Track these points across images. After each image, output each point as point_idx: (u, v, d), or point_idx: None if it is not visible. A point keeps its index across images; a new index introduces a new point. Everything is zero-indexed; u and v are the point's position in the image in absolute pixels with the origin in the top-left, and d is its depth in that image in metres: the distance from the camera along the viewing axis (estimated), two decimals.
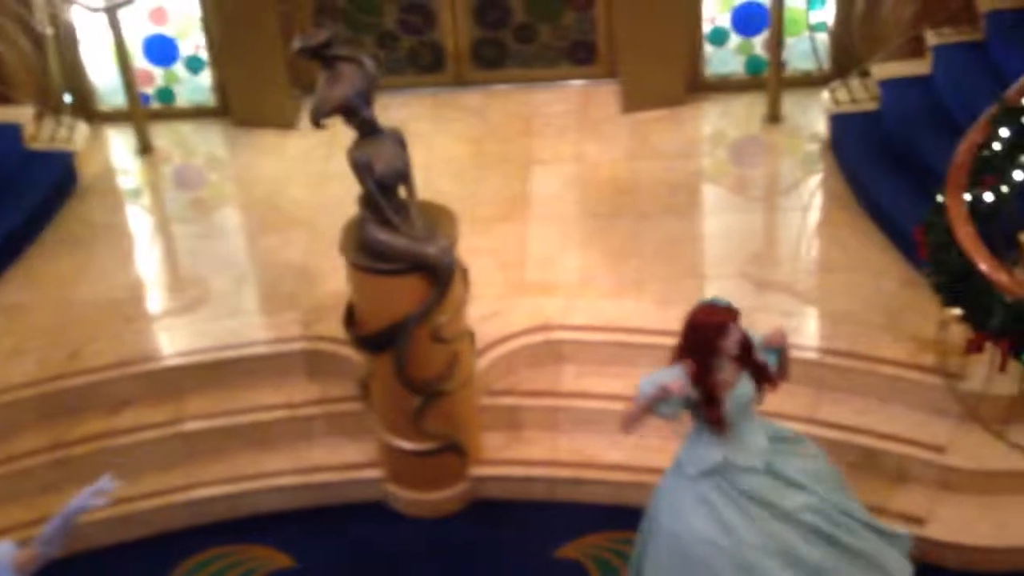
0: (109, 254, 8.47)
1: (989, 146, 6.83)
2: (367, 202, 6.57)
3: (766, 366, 5.80)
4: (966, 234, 6.65)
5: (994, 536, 6.65)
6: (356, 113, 6.41)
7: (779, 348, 5.86)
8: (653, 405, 5.65)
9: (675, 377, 5.63)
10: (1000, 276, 6.46)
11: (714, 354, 5.63)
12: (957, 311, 6.68)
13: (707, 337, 5.60)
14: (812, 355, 7.31)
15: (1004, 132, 6.78)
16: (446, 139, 9.33)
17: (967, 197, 6.77)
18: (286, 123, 9.48)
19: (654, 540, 6.00)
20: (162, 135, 9.55)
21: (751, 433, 5.86)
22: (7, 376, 7.49)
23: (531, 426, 7.46)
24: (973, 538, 6.66)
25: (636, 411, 5.73)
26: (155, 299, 8.15)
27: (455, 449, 7.15)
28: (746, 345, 5.71)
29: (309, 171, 9.09)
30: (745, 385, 5.75)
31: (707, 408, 5.71)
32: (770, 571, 5.80)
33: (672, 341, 7.36)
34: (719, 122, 9.33)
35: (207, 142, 9.57)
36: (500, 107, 9.62)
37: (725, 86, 9.57)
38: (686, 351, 5.69)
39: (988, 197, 6.80)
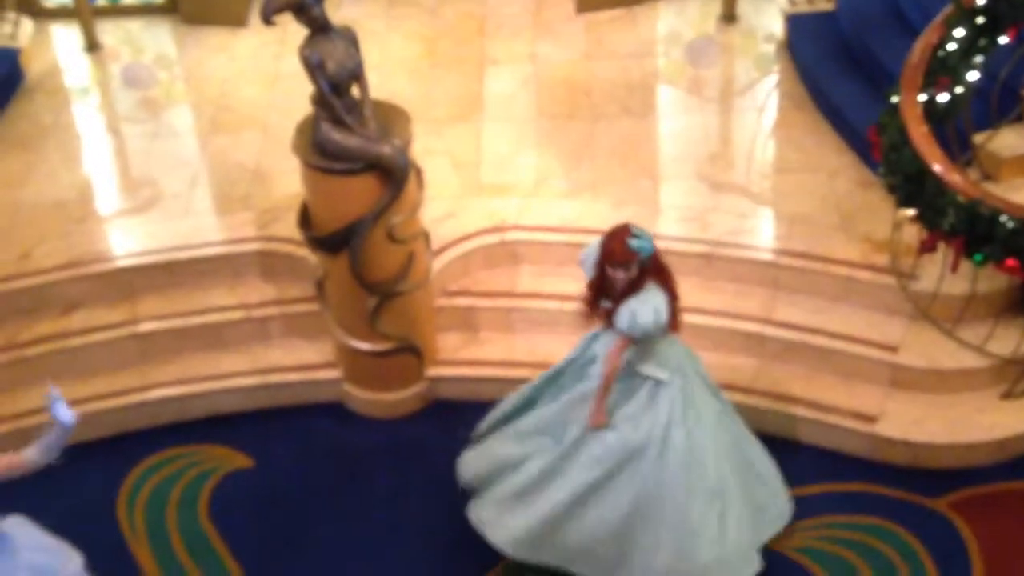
0: (58, 154, 8.34)
1: (944, 47, 6.83)
2: (319, 101, 6.50)
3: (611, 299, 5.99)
4: (920, 135, 6.67)
5: (944, 433, 6.77)
6: (307, 10, 6.30)
7: None
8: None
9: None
10: (953, 177, 6.50)
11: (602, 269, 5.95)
12: (911, 212, 6.72)
13: (603, 252, 5.95)
14: (767, 256, 7.37)
15: (959, 32, 6.78)
16: (400, 38, 9.22)
17: (921, 98, 6.78)
18: (236, 20, 9.33)
19: None
20: (109, 32, 9.37)
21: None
22: None
23: (487, 327, 7.48)
24: (923, 435, 6.78)
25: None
26: (106, 200, 8.04)
27: (411, 350, 7.16)
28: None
29: (261, 70, 8.96)
30: None
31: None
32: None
33: None
34: (674, 22, 9.26)
35: (156, 40, 9.39)
36: (454, 6, 9.50)
37: None
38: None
39: (942, 98, 6.82)
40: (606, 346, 5.99)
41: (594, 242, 5.99)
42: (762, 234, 7.56)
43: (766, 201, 7.75)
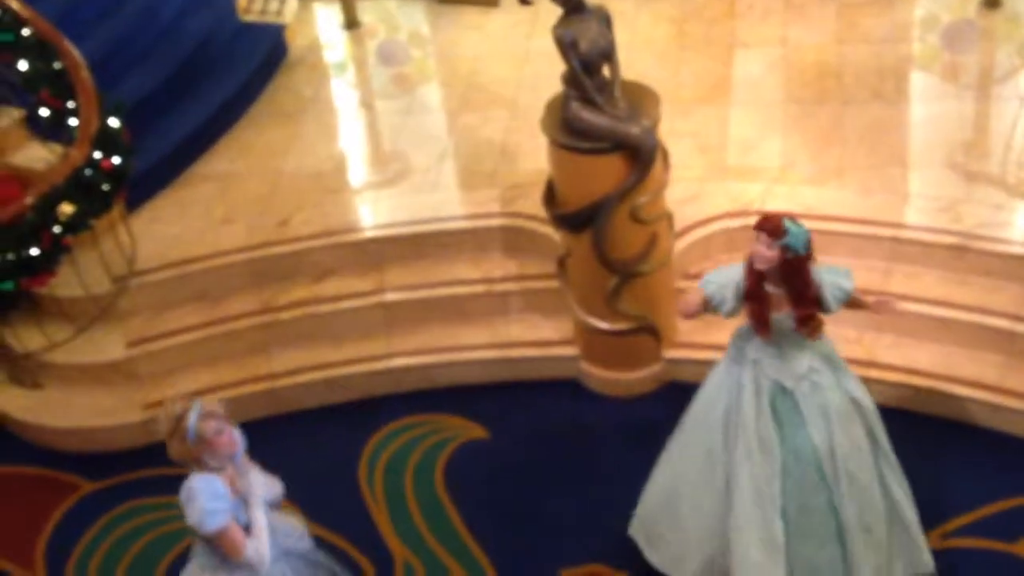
0: (316, 126, 8.69)
1: None
2: (570, 80, 6.57)
3: (811, 304, 5.54)
4: None
5: None
6: None
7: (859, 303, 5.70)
8: (707, 305, 5.70)
9: (728, 280, 5.62)
10: None
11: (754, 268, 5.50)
12: None
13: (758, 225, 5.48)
14: (1019, 250, 7.09)
15: None
16: (649, 19, 9.22)
17: None
18: (489, 0, 9.49)
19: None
20: (368, 11, 9.68)
21: (794, 355, 5.66)
22: (219, 242, 7.80)
23: None
24: None
25: (692, 306, 5.79)
26: (359, 172, 8.34)
27: (649, 330, 7.19)
28: (790, 272, 5.44)
29: (511, 49, 9.11)
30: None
31: (752, 306, 5.60)
32: (741, 503, 5.74)
33: (874, 231, 7.36)
34: (932, 6, 8.97)
35: (411, 18, 9.65)
36: None
37: None
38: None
39: None
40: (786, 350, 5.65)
41: (721, 273, 5.70)
42: (1017, 227, 7.27)
43: (1022, 193, 7.46)
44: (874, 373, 6.97)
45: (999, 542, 6.33)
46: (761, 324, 5.58)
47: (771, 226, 5.37)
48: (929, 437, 6.76)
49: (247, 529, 5.06)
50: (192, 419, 4.92)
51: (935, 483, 6.37)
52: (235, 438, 5.05)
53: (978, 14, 8.83)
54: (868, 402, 5.78)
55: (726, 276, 5.65)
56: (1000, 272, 7.10)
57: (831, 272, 5.59)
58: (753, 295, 5.55)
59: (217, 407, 5.04)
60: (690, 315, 5.87)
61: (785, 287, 5.49)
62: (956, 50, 8.66)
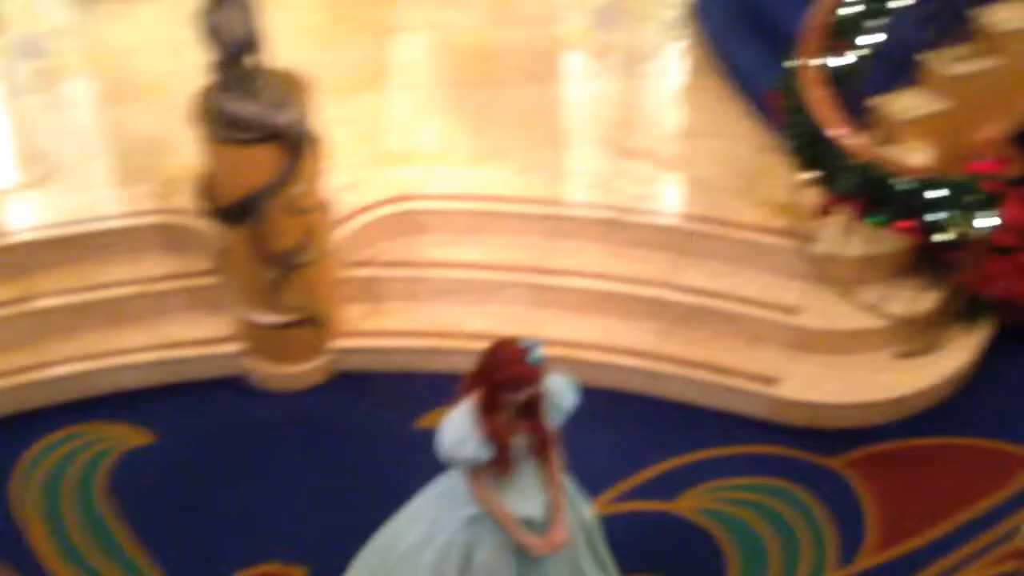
0: None
1: (842, 11, 6.85)
2: (217, 70, 6.42)
3: (546, 434, 5.26)
4: (818, 98, 6.71)
5: (842, 393, 6.86)
6: None
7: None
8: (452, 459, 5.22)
9: (459, 426, 5.15)
10: (849, 140, 6.55)
11: (497, 398, 5.11)
12: (810, 175, 6.76)
13: (498, 381, 5.04)
14: (671, 221, 7.38)
15: None
16: (304, 5, 9.08)
17: (819, 62, 6.81)
18: None
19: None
20: (5, 1, 9.16)
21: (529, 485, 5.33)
22: None
23: (391, 297, 7.44)
24: (822, 396, 6.85)
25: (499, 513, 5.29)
26: (0, 174, 7.88)
27: (314, 321, 7.10)
28: (533, 406, 5.17)
29: (162, 39, 8.78)
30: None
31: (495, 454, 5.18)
32: None
33: (532, 209, 7.51)
34: None
35: (54, 8, 9.19)
36: None
37: None
38: (478, 380, 5.15)
39: (840, 62, 6.85)
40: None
41: (455, 419, 5.17)
42: (666, 199, 7.58)
43: (670, 167, 7.75)
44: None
45: (660, 502, 6.57)
46: (500, 463, 5.19)
47: (533, 377, 5.03)
48: (589, 407, 6.91)
49: None
50: None
51: (597, 451, 6.55)
52: None
53: None
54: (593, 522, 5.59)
55: (456, 430, 5.17)
56: (652, 243, 7.36)
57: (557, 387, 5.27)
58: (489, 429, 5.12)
59: None
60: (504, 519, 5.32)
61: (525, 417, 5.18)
62: (605, 30, 8.91)
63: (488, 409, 5.11)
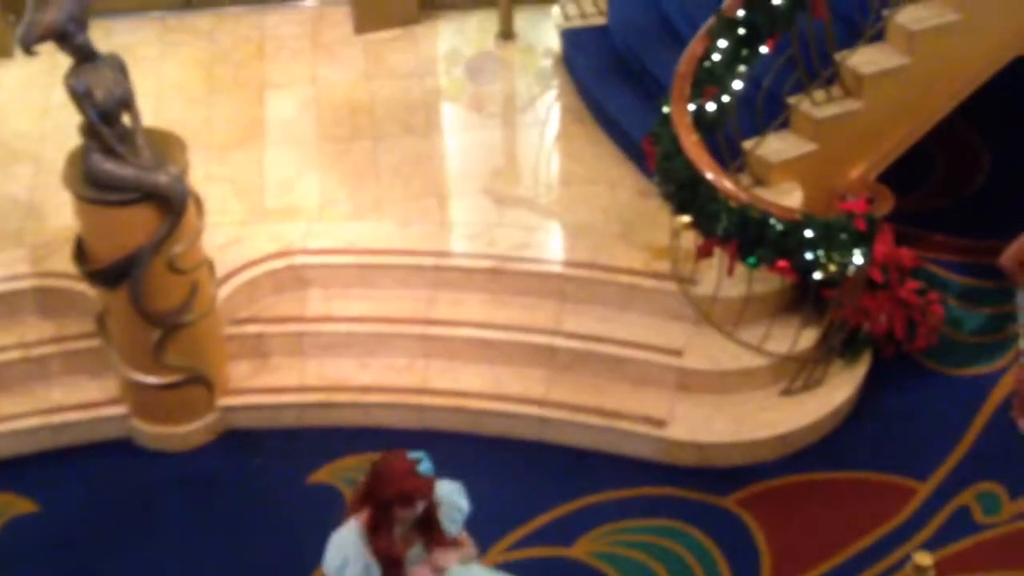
0: None
1: (709, 57, 7.04)
2: (89, 131, 6.36)
3: (447, 542, 5.23)
4: (691, 143, 6.86)
5: (729, 432, 6.97)
6: (69, 39, 6.17)
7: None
8: None
9: (345, 549, 5.07)
10: (724, 183, 6.71)
11: (390, 515, 5.04)
12: (686, 218, 6.90)
13: (388, 498, 4.97)
14: (554, 268, 7.48)
15: (722, 43, 6.99)
16: (176, 64, 9.03)
17: (691, 107, 6.98)
18: (2, 51, 9.00)
19: None
20: None
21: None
22: None
23: (278, 353, 7.40)
24: (710, 435, 6.96)
25: None
26: None
27: (200, 380, 7.02)
28: (429, 518, 5.13)
29: (31, 101, 8.67)
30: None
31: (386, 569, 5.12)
32: None
33: (416, 261, 7.53)
34: (453, 40, 9.30)
35: None
36: (231, 30, 9.35)
37: (457, 4, 9.53)
38: (366, 498, 5.09)
39: (711, 106, 7.03)
40: None
41: (339, 542, 5.09)
42: (548, 247, 7.67)
43: (550, 214, 7.86)
44: (426, 400, 7.14)
45: (556, 547, 6.61)
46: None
47: (427, 490, 4.99)
48: (481, 456, 6.97)
49: None
50: None
51: (490, 500, 6.50)
52: None
53: (496, 46, 9.22)
54: None
55: (341, 553, 5.07)
56: (536, 291, 7.43)
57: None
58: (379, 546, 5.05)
59: None
60: None
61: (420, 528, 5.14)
62: (480, 82, 9.02)
63: (378, 528, 5.01)
